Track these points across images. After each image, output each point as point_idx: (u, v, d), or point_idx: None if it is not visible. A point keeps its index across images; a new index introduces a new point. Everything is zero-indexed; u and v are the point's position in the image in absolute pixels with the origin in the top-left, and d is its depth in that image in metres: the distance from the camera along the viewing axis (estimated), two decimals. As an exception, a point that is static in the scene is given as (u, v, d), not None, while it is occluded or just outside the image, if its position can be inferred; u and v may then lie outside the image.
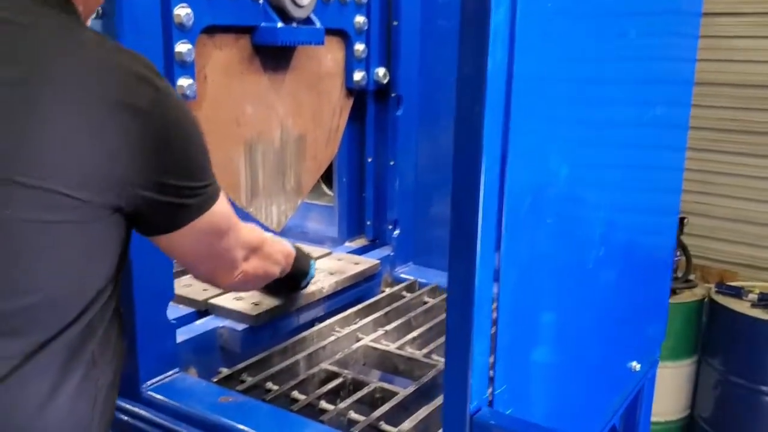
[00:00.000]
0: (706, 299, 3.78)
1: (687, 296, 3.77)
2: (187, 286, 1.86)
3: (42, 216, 0.97)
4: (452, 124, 2.18)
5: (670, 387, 3.75)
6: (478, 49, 0.92)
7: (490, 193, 0.97)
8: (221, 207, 1.21)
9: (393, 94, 2.16)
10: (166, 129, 1.06)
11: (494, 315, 1.05)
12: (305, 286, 1.82)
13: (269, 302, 1.79)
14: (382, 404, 1.51)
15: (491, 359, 1.06)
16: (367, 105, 2.17)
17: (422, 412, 1.46)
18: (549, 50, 1.08)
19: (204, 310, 1.79)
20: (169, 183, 1.08)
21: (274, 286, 1.71)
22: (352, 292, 2.06)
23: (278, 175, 1.82)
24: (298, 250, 1.75)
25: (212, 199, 1.17)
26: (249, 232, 1.43)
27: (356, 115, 2.16)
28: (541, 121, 1.10)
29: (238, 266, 1.39)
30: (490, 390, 1.07)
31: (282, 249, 1.63)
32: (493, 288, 1.02)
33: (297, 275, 1.74)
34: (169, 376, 1.53)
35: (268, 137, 1.76)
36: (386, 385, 1.57)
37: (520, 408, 1.15)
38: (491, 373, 1.07)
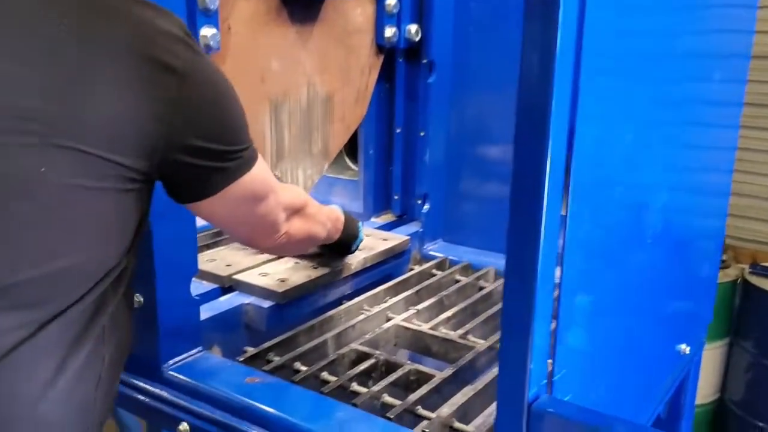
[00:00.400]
0: (739, 280, 3.66)
1: (720, 277, 3.65)
2: (210, 260, 1.77)
3: (75, 179, 0.93)
4: (486, 92, 2.09)
5: (701, 370, 3.64)
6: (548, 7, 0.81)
7: (557, 155, 0.86)
8: (259, 171, 1.17)
9: (425, 60, 2.04)
10: (203, 90, 1.03)
11: (555, 293, 0.95)
12: (355, 250, 1.81)
13: (296, 278, 1.70)
14: (418, 387, 1.42)
15: (551, 342, 0.96)
16: (397, 67, 2.06)
17: (461, 397, 1.37)
18: (618, 15, 0.97)
19: (228, 286, 1.70)
20: (205, 146, 1.05)
21: (324, 252, 1.75)
22: (381, 270, 1.97)
23: (305, 137, 1.71)
24: (346, 214, 1.73)
25: (249, 163, 1.13)
26: (290, 193, 1.42)
27: (385, 79, 2.05)
28: (608, 84, 0.99)
29: (279, 228, 1.36)
30: (548, 376, 0.97)
31: (328, 212, 1.62)
32: (555, 266, 0.92)
33: (347, 239, 1.73)
34: (192, 355, 1.45)
35: (294, 96, 1.65)
36: (421, 367, 1.47)
37: (578, 394, 1.06)
38: (550, 357, 0.97)
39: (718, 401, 3.82)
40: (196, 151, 1.04)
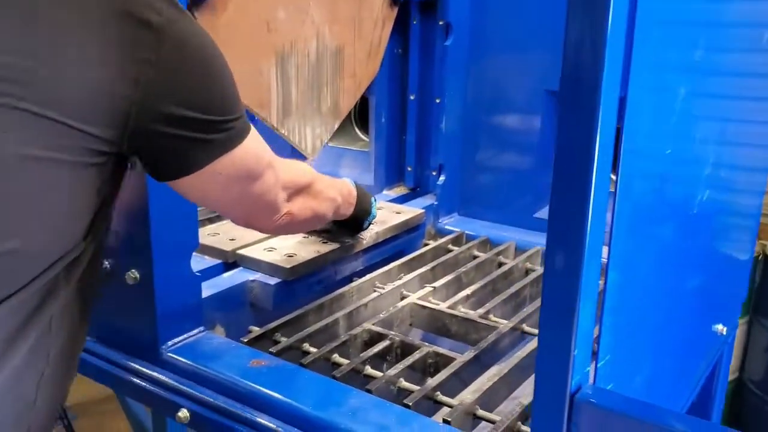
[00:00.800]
0: (760, 256, 3.54)
1: (740, 253, 3.54)
2: (213, 234, 1.66)
3: (26, 148, 0.81)
4: (506, 56, 1.96)
5: (719, 349, 3.54)
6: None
7: (607, 126, 0.74)
8: (252, 145, 1.03)
9: (441, 22, 1.91)
10: (185, 51, 0.90)
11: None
12: (368, 227, 1.71)
13: (304, 254, 1.59)
14: (436, 372, 1.31)
15: (596, 327, 0.85)
16: (412, 29, 1.93)
17: (484, 382, 1.26)
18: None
19: (232, 261, 1.59)
20: (186, 115, 0.91)
21: (335, 228, 1.66)
22: (394, 245, 1.85)
23: (313, 93, 1.58)
24: (358, 188, 1.62)
25: (240, 136, 1.00)
26: (293, 170, 1.30)
27: (400, 42, 1.93)
28: (661, 50, 0.88)
29: (279, 209, 1.24)
30: (592, 364, 0.86)
31: (340, 186, 1.52)
32: (602, 244, 0.81)
33: (359, 215, 1.63)
34: (193, 335, 1.34)
35: (302, 48, 1.51)
36: (441, 350, 1.37)
37: (620, 382, 0.95)
38: (595, 343, 0.86)
39: (737, 381, 3.71)
40: (176, 121, 0.91)
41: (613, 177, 0.82)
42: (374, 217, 1.69)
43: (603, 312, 0.86)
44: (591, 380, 0.86)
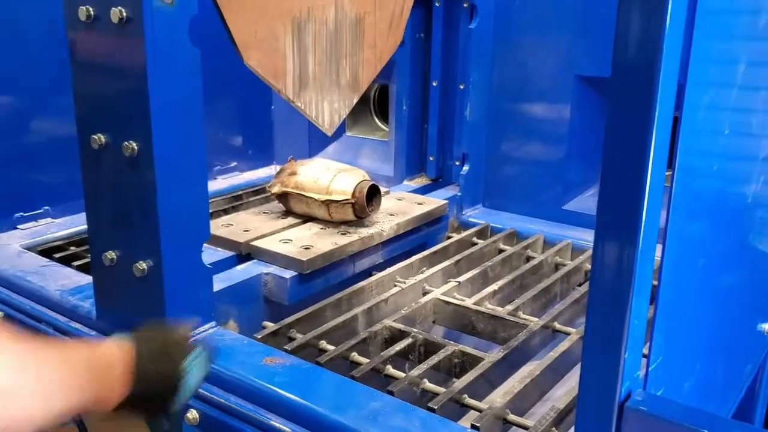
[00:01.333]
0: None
1: None
2: (226, 225, 1.59)
3: None
4: (534, 41, 1.86)
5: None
6: None
7: (664, 119, 0.66)
8: None
9: (465, 4, 1.82)
10: None
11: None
12: (169, 410, 0.98)
13: (321, 246, 1.51)
14: (462, 372, 1.23)
15: (648, 328, 0.76)
16: (435, 12, 1.84)
17: (515, 384, 1.17)
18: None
19: (246, 253, 1.51)
20: None
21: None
22: (415, 237, 1.77)
23: (332, 65, 1.47)
24: (160, 334, 1.00)
25: None
26: None
27: (422, 27, 1.84)
28: (720, 39, 0.79)
29: None
30: (643, 369, 0.77)
31: (85, 359, 0.89)
32: (656, 242, 0.72)
33: (147, 391, 0.93)
34: (205, 331, 1.27)
35: (320, 15, 1.41)
36: (467, 349, 1.28)
37: (670, 387, 0.86)
38: (646, 346, 0.77)
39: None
40: None
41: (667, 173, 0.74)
42: (186, 395, 0.98)
43: (656, 311, 0.77)
44: (641, 386, 0.77)
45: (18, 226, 1.75)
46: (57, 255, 1.65)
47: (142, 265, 1.17)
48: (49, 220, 1.79)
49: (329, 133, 1.53)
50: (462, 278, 1.58)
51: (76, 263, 1.58)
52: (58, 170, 1.77)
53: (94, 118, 1.17)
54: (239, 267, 1.48)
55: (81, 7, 1.13)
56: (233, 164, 2.28)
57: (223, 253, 1.50)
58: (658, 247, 0.76)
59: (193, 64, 1.13)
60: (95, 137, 1.16)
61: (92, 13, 1.12)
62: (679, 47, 0.68)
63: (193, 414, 1.15)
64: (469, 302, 1.47)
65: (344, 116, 1.57)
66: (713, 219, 0.96)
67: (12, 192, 1.74)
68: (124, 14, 1.08)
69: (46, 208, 1.80)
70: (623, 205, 0.70)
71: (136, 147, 1.11)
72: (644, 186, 0.68)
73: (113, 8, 1.08)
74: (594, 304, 0.72)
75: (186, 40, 1.11)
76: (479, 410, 1.11)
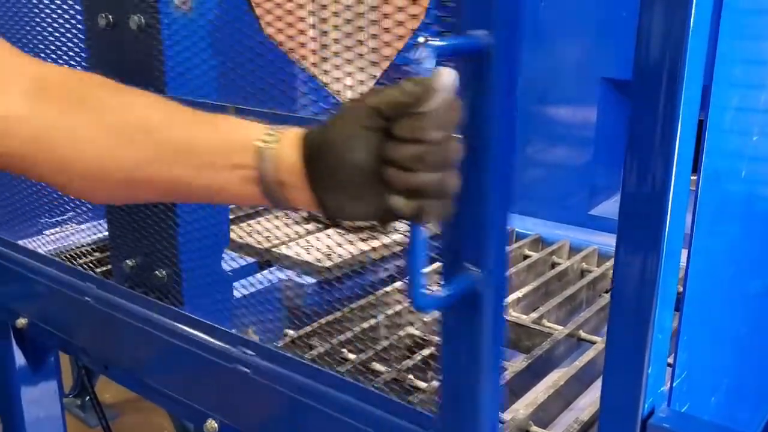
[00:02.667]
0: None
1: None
2: (246, 231, 1.58)
3: None
4: (560, 40, 1.83)
5: None
6: None
7: (688, 122, 0.63)
8: None
9: (489, 4, 1.79)
10: None
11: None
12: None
13: (343, 252, 1.50)
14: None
15: (672, 340, 0.73)
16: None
17: (538, 394, 1.15)
18: None
19: (266, 260, 1.51)
20: None
21: None
22: (439, 243, 1.74)
23: (353, 36, 1.40)
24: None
25: None
26: None
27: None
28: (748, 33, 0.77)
29: None
30: (667, 383, 0.74)
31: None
32: (681, 248, 0.70)
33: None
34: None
35: None
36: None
37: (696, 403, 0.83)
38: (670, 358, 0.74)
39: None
40: None
41: (693, 177, 0.71)
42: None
43: (681, 323, 0.74)
44: (666, 402, 0.74)
45: (43, 232, 1.76)
46: (81, 261, 1.66)
47: (161, 272, 1.17)
48: (74, 225, 1.81)
49: None
50: (486, 285, 1.55)
51: (99, 269, 1.59)
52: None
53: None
54: (260, 274, 1.47)
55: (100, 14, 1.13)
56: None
57: (243, 260, 1.49)
58: (684, 254, 0.73)
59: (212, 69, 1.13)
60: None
61: (111, 20, 1.13)
62: (704, 47, 0.66)
63: (211, 423, 1.14)
64: (492, 310, 1.44)
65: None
66: (742, 224, 0.93)
67: (37, 198, 1.75)
68: (143, 21, 1.08)
69: (71, 213, 1.81)
70: (646, 210, 0.67)
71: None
72: (668, 190, 0.66)
73: (132, 16, 1.09)
74: (615, 317, 0.70)
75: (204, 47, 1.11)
76: (502, 422, 1.09)
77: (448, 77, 0.62)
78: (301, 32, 1.27)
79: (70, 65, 1.35)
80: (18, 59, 0.75)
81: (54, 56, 1.38)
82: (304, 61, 1.30)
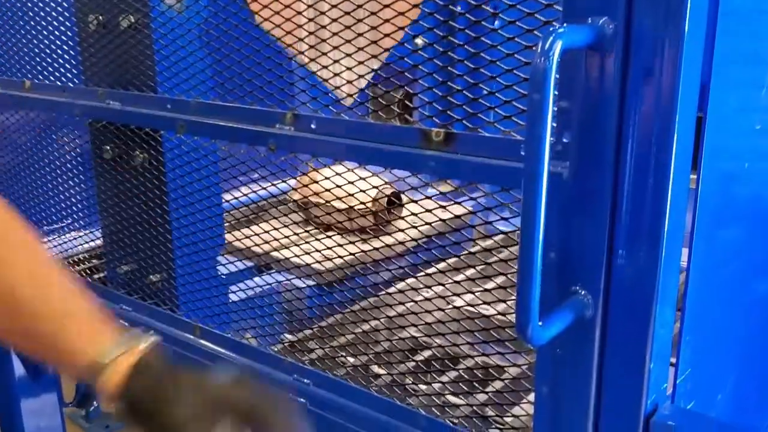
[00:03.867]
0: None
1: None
2: (243, 234, 1.56)
3: None
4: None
5: None
6: None
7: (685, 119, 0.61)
8: None
9: None
10: None
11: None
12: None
13: (343, 254, 1.47)
14: (487, 384, 1.18)
15: (675, 332, 0.71)
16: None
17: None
18: None
19: (264, 264, 1.48)
20: None
21: None
22: (442, 244, 1.72)
23: (350, 29, 1.35)
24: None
25: None
26: None
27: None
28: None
29: None
30: (671, 379, 0.72)
31: None
32: (682, 246, 0.68)
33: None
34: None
35: None
36: (491, 360, 1.23)
37: (701, 400, 0.80)
38: (673, 356, 0.72)
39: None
40: None
41: (693, 176, 0.69)
42: None
43: (683, 319, 0.72)
44: (671, 399, 0.72)
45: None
46: (78, 268, 1.65)
47: (155, 277, 1.15)
48: (71, 233, 1.79)
49: (347, 104, 1.44)
50: (488, 286, 1.52)
51: (96, 276, 1.57)
52: (80, 183, 1.77)
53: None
54: (257, 278, 1.45)
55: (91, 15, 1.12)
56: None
57: (240, 264, 1.47)
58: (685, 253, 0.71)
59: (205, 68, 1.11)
60: (107, 150, 1.14)
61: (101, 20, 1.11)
62: (700, 47, 0.64)
63: None
64: (495, 311, 1.42)
65: (363, 87, 1.45)
66: (745, 221, 0.91)
67: (34, 205, 1.73)
68: (133, 21, 1.06)
69: (69, 221, 1.79)
70: (646, 209, 0.65)
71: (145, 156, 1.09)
72: (667, 188, 0.64)
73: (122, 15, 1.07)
74: (615, 314, 0.67)
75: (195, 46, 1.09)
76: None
77: None
78: (298, 26, 1.24)
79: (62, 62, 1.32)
80: None
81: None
82: (301, 56, 1.27)
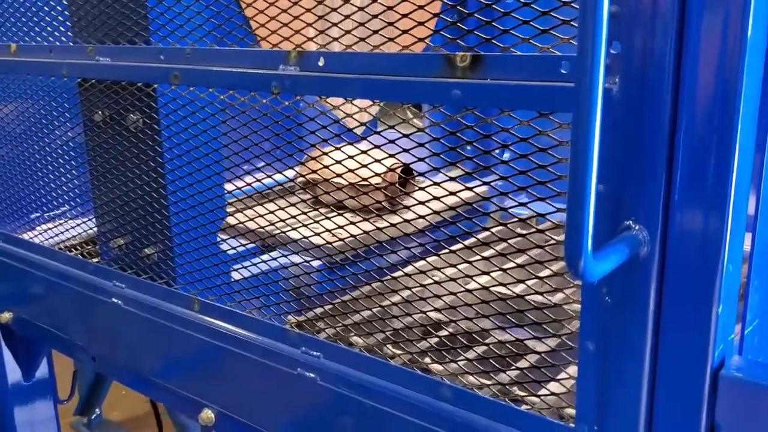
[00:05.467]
0: None
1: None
2: (250, 213, 1.47)
3: None
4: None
5: None
6: None
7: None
8: None
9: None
10: None
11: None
12: None
13: (353, 233, 1.38)
14: (509, 364, 1.09)
15: (743, 281, 0.62)
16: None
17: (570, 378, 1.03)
18: None
19: (271, 243, 1.39)
20: None
21: None
22: (456, 224, 1.63)
23: (360, 30, 1.26)
24: None
25: None
26: None
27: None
28: None
29: None
30: (738, 328, 0.62)
31: None
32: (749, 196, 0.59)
33: None
34: (224, 325, 1.14)
35: None
36: (512, 339, 1.14)
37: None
38: (740, 304, 0.62)
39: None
40: None
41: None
42: None
43: (751, 266, 0.63)
44: (736, 353, 0.63)
45: (36, 227, 1.67)
46: (73, 253, 1.56)
47: (150, 250, 1.06)
48: (66, 220, 1.71)
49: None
50: (506, 266, 1.43)
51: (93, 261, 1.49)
52: (75, 171, 1.69)
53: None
54: (264, 256, 1.36)
55: None
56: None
57: (245, 242, 1.39)
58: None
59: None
60: (98, 113, 1.06)
61: None
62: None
63: (207, 413, 1.03)
64: (515, 290, 1.32)
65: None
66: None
67: (29, 192, 1.66)
68: None
69: (64, 208, 1.72)
70: (714, 127, 0.56)
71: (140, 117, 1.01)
72: (738, 107, 0.55)
73: None
74: (675, 246, 0.58)
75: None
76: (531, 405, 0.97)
77: None
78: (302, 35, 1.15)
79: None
80: None
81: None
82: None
